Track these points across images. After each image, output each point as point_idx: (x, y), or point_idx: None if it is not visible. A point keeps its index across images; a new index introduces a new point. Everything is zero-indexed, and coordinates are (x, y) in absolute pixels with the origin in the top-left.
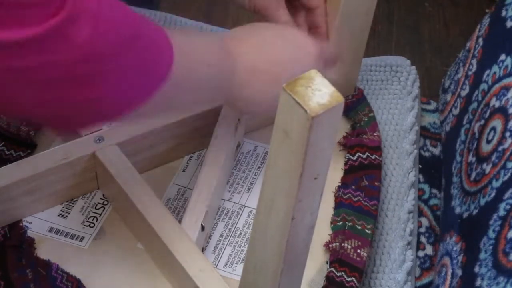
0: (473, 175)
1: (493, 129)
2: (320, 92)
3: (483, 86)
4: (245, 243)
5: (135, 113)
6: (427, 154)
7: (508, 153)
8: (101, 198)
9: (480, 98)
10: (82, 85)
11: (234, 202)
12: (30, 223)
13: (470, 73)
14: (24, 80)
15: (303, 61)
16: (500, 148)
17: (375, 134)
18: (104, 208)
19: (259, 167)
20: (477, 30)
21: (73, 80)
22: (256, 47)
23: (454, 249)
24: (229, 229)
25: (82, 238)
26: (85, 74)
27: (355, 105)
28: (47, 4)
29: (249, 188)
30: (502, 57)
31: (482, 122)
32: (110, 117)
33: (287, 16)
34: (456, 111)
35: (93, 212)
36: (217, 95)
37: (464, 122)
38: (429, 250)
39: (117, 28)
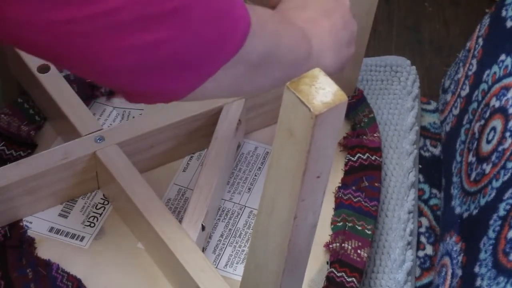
0: (473, 175)
1: (493, 129)
2: (324, 91)
3: (483, 86)
4: (246, 243)
5: (221, 78)
6: (427, 154)
7: (508, 153)
8: (101, 198)
9: (480, 98)
10: (161, 26)
11: (235, 202)
12: (31, 223)
13: (470, 73)
14: (97, 28)
15: (341, 5)
16: (500, 148)
17: (375, 135)
18: (105, 208)
19: (260, 168)
20: (477, 30)
21: (154, 19)
22: (301, 5)
23: (454, 249)
24: (230, 229)
25: (83, 238)
26: (160, 12)
27: (355, 106)
28: None
29: (249, 189)
30: (502, 57)
31: (482, 122)
32: (199, 73)
33: None
34: (456, 111)
35: (93, 212)
36: (294, 51)
37: (464, 122)
38: (429, 250)
39: None
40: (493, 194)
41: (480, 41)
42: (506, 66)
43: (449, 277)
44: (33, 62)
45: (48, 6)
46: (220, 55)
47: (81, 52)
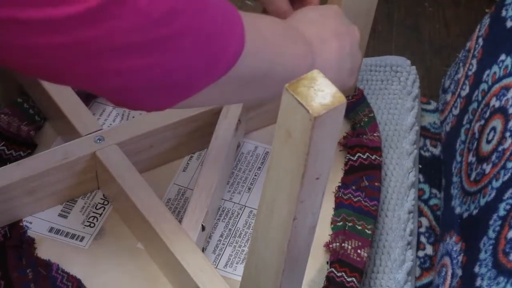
0: (473, 175)
1: (493, 129)
2: (323, 93)
3: (483, 86)
4: (246, 243)
5: (211, 91)
6: (427, 154)
7: (508, 153)
8: (101, 198)
9: (480, 98)
10: (152, 51)
11: (235, 202)
12: (30, 223)
13: (470, 73)
14: (90, 51)
15: (343, 19)
16: (500, 148)
17: (375, 134)
18: (105, 208)
19: (259, 167)
20: (477, 30)
21: (141, 47)
22: (316, 21)
23: (454, 249)
24: (230, 229)
25: (82, 238)
26: (154, 39)
27: (355, 106)
28: None
29: (249, 188)
30: (502, 57)
31: (482, 122)
32: (182, 92)
33: (288, 6)
34: (456, 111)
35: (93, 212)
36: (295, 66)
37: (464, 122)
38: (429, 250)
39: None
40: (493, 194)
41: (480, 41)
42: (506, 66)
43: (449, 277)
44: None
45: (38, 30)
46: (207, 78)
47: (69, 73)
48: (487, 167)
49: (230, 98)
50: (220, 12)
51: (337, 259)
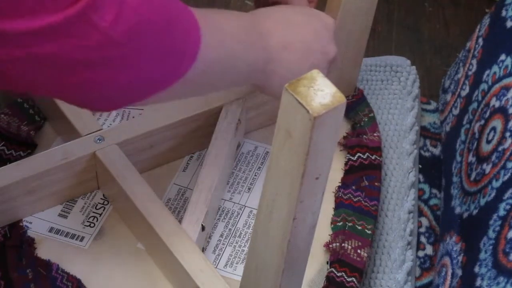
0: (473, 175)
1: (493, 129)
2: (322, 92)
3: (483, 86)
4: (245, 243)
5: (164, 95)
6: (427, 154)
7: (508, 153)
8: (101, 198)
9: (480, 98)
10: (109, 67)
11: (234, 202)
12: (30, 223)
13: (470, 73)
14: (47, 65)
15: (324, 35)
16: (500, 148)
17: (375, 134)
18: (104, 208)
19: (259, 167)
20: (477, 30)
21: (100, 63)
22: (282, 23)
23: (454, 249)
24: (229, 229)
25: (82, 238)
26: (112, 57)
27: (355, 106)
28: None
29: (249, 188)
30: (502, 57)
31: (482, 122)
32: (138, 98)
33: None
34: (456, 111)
35: (93, 212)
36: (249, 73)
37: (464, 122)
38: (429, 250)
39: (141, 9)
40: (493, 194)
41: (480, 41)
42: (506, 66)
43: (449, 277)
44: None
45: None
46: (160, 87)
47: (31, 83)
48: (487, 167)
49: (185, 95)
50: (178, 26)
51: (337, 259)
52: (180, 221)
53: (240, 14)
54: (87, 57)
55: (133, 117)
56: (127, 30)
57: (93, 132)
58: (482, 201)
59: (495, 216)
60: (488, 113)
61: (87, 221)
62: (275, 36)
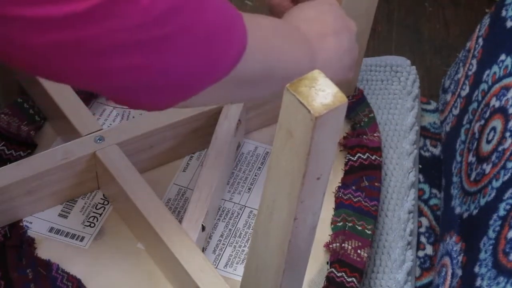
0: (473, 175)
1: (493, 129)
2: (324, 93)
3: (483, 86)
4: (246, 243)
5: (213, 92)
6: (427, 154)
7: (508, 153)
8: (101, 198)
9: (480, 98)
10: (150, 50)
11: (235, 203)
12: (31, 223)
13: (470, 73)
14: (85, 51)
15: (339, 14)
16: (500, 148)
17: (375, 134)
18: (105, 208)
19: (260, 168)
20: (477, 30)
21: (140, 45)
22: (314, 18)
23: (454, 249)
24: (230, 229)
25: (83, 238)
26: (152, 38)
27: (355, 106)
28: None
29: (249, 189)
30: (502, 57)
31: (482, 122)
32: (184, 92)
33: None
34: (456, 111)
35: (93, 212)
36: (296, 67)
37: (464, 122)
38: (429, 250)
39: None
40: (493, 194)
41: (480, 41)
42: (506, 66)
43: (449, 277)
44: None
45: (39, 28)
46: (207, 79)
47: (70, 71)
48: (487, 167)
49: (231, 98)
50: (221, 13)
51: (337, 259)
52: (180, 221)
53: (272, 17)
54: (129, 38)
55: (133, 117)
56: (168, 8)
57: (93, 132)
58: (482, 201)
59: (495, 216)
60: (488, 113)
61: (87, 221)
62: (310, 29)
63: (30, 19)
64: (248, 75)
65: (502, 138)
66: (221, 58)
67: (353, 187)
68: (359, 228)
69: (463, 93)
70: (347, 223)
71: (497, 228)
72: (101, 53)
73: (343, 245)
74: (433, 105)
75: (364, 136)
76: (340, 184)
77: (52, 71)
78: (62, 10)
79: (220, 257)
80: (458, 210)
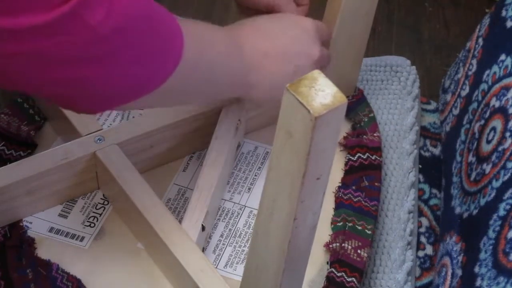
0: (473, 175)
1: (493, 129)
2: (323, 93)
3: (483, 86)
4: (246, 243)
5: (147, 99)
6: (427, 154)
7: (508, 153)
8: (101, 198)
9: (480, 98)
10: (95, 64)
11: (235, 202)
12: (30, 223)
13: (470, 73)
14: (38, 62)
15: (303, 38)
16: (500, 148)
17: (375, 134)
18: (105, 208)
19: (260, 167)
20: (477, 30)
21: (86, 59)
22: (258, 32)
23: (454, 249)
24: (230, 229)
25: (83, 238)
26: (98, 54)
27: (355, 106)
28: None
29: (249, 189)
30: (502, 57)
31: (482, 122)
32: (121, 99)
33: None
34: (456, 111)
35: (93, 212)
36: (231, 85)
37: (464, 122)
38: (429, 250)
39: (130, 9)
40: (493, 194)
41: (480, 41)
42: (506, 66)
43: (449, 277)
44: None
45: None
46: (143, 90)
47: (16, 79)
48: (487, 167)
49: (164, 104)
50: (162, 30)
51: (337, 259)
52: (180, 221)
53: (218, 27)
54: (76, 53)
55: (133, 117)
56: (115, 27)
57: (93, 132)
58: (482, 201)
59: (495, 216)
60: (488, 113)
61: (87, 221)
62: (253, 46)
63: None
64: (179, 85)
65: (502, 138)
66: (157, 71)
67: (353, 187)
68: (359, 228)
69: (463, 93)
70: (347, 223)
71: (497, 228)
72: (48, 64)
73: (343, 245)
74: (433, 105)
75: (364, 136)
76: (340, 184)
77: (5, 79)
78: (18, 23)
79: (220, 257)
80: (458, 210)
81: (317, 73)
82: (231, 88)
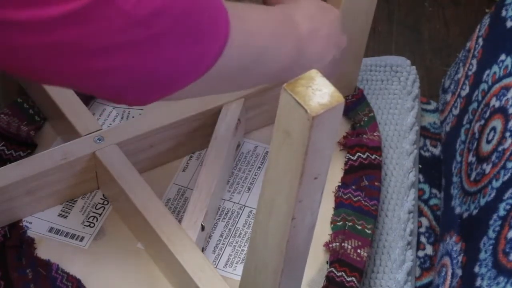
0: (473, 175)
1: (493, 129)
2: (321, 92)
3: (483, 86)
4: (245, 243)
5: (197, 86)
6: (427, 154)
7: (508, 153)
8: (101, 198)
9: (480, 98)
10: (136, 50)
11: (234, 202)
12: (30, 223)
13: (470, 73)
14: (73, 52)
15: (337, 24)
16: (500, 148)
17: (375, 134)
18: (104, 208)
19: (259, 167)
20: (477, 30)
21: (125, 46)
22: (307, 16)
23: (454, 249)
24: (229, 229)
25: (82, 238)
26: (137, 39)
27: (355, 105)
28: None
29: (249, 188)
30: (502, 57)
31: (482, 122)
32: (168, 88)
33: None
34: (456, 111)
35: (93, 212)
36: (282, 67)
37: (464, 122)
38: (429, 250)
39: None
40: (493, 194)
41: (480, 41)
42: (506, 66)
43: (449, 277)
44: None
45: (24, 31)
46: (191, 76)
47: (53, 72)
48: (487, 167)
49: (214, 91)
50: (205, 10)
51: (337, 259)
52: (180, 221)
53: (267, 7)
54: (112, 40)
55: (133, 117)
56: (151, 11)
57: (93, 132)
58: (482, 201)
59: (495, 216)
60: (488, 113)
61: (87, 221)
62: (304, 27)
63: (14, 22)
64: (228, 70)
65: (502, 138)
66: (204, 54)
67: (353, 187)
68: (359, 227)
69: (463, 93)
70: (347, 222)
71: (497, 228)
72: (82, 54)
73: (343, 244)
74: (433, 105)
75: (364, 136)
76: (339, 184)
77: (36, 73)
78: (45, 13)
79: (219, 256)
80: (458, 210)
81: (314, 73)
82: (283, 68)
